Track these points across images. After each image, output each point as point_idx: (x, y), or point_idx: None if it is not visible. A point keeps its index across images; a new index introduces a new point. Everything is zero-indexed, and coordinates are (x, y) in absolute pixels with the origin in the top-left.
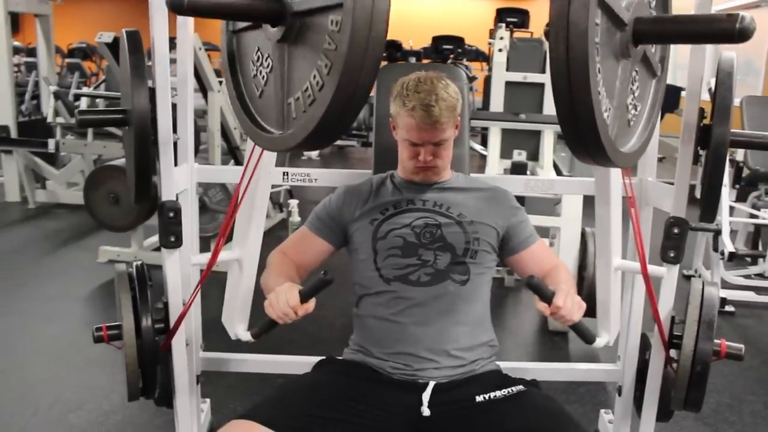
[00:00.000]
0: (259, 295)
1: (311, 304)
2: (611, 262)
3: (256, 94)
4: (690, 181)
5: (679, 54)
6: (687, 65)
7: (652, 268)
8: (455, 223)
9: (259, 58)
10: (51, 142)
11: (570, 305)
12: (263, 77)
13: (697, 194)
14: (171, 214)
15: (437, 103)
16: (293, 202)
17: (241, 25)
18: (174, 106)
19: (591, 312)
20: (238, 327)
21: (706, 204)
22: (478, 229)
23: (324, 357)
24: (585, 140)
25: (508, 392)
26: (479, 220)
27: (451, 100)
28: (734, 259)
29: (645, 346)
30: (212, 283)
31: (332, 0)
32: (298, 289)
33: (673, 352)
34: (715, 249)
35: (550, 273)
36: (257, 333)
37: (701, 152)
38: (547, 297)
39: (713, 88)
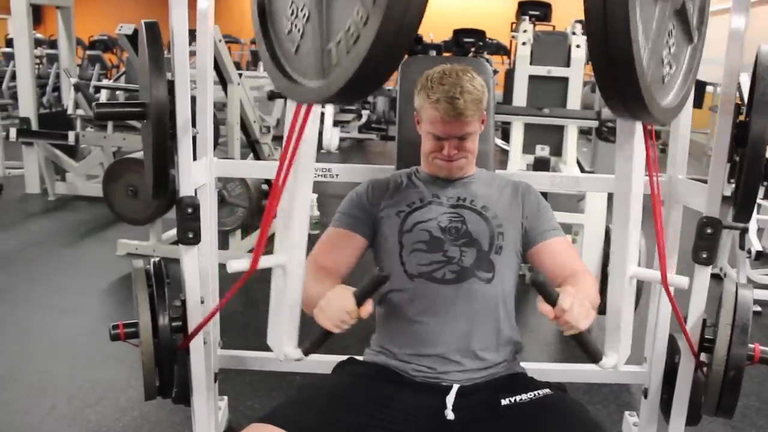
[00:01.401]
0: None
1: (369, 305)
2: (626, 270)
3: (292, 51)
4: None
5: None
6: (715, 60)
7: (673, 278)
8: (479, 215)
9: (293, 11)
10: (71, 135)
11: (577, 310)
12: (299, 30)
13: (725, 191)
14: (189, 210)
15: (462, 95)
16: (312, 196)
17: None
18: (193, 99)
19: None
20: (286, 345)
21: (743, 203)
22: (502, 222)
23: (345, 358)
24: (619, 74)
25: (534, 395)
26: (503, 213)
27: (476, 93)
28: (761, 258)
29: (673, 348)
30: (230, 278)
31: None
32: (351, 291)
33: (703, 355)
34: (742, 247)
35: (570, 278)
36: (309, 348)
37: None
38: (551, 298)
39: (749, 84)
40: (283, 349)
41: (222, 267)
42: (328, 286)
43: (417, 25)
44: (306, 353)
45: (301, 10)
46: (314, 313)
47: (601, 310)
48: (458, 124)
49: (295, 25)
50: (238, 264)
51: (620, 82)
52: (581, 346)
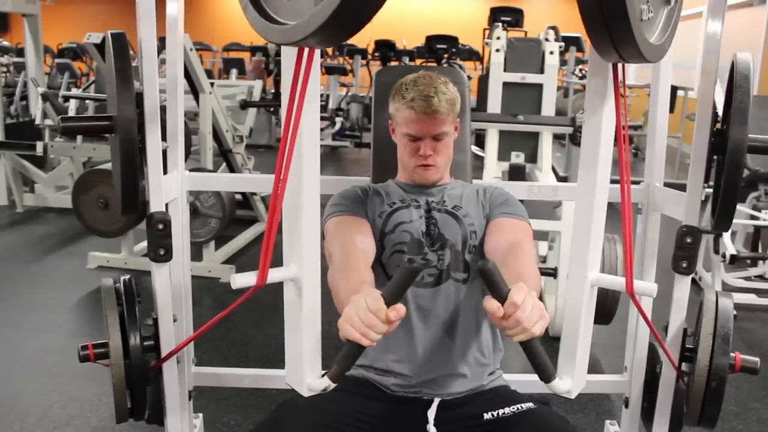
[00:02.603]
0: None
1: (401, 307)
2: (587, 276)
3: (285, 1)
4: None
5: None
6: (684, 64)
7: (639, 285)
8: (451, 216)
9: None
10: (39, 145)
11: (530, 308)
12: None
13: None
14: (160, 227)
15: (436, 94)
16: None
17: None
18: (163, 110)
19: (605, 318)
20: (309, 375)
21: (722, 211)
22: (474, 221)
23: (322, 374)
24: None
25: (517, 409)
26: (474, 212)
27: (450, 94)
28: (735, 262)
29: (653, 357)
30: (204, 290)
31: None
32: (379, 292)
33: (684, 365)
34: (716, 251)
35: (509, 251)
36: (337, 372)
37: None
38: (500, 292)
39: (723, 91)
40: (305, 383)
41: (196, 280)
42: (357, 282)
43: None
44: (334, 379)
45: None
46: (339, 324)
47: (604, 319)
48: (433, 122)
49: None
50: (244, 279)
51: (607, 12)
52: (531, 358)
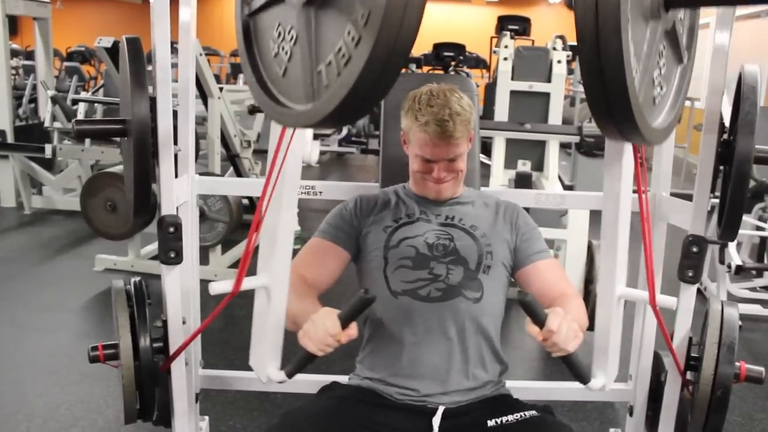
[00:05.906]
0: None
1: (353, 329)
2: (614, 290)
3: (280, 73)
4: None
5: None
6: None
7: (661, 299)
8: (467, 234)
9: (280, 33)
10: (48, 147)
11: (565, 331)
12: (287, 53)
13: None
14: (171, 230)
15: (451, 117)
16: None
17: (259, 3)
18: (174, 114)
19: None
20: (269, 367)
21: (728, 222)
22: (491, 242)
23: (329, 382)
24: (611, 96)
25: (521, 416)
26: (491, 233)
27: (465, 114)
28: (741, 272)
29: (658, 365)
30: (211, 297)
31: None
32: (336, 314)
33: (689, 374)
34: (722, 261)
35: (557, 300)
36: (293, 370)
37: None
38: (539, 319)
39: (730, 102)
40: (265, 371)
41: (203, 283)
42: (309, 304)
43: (410, 46)
44: (289, 376)
45: (289, 32)
46: (299, 336)
47: (590, 326)
48: (448, 147)
49: (283, 48)
50: (220, 286)
51: (613, 107)
52: (569, 368)
